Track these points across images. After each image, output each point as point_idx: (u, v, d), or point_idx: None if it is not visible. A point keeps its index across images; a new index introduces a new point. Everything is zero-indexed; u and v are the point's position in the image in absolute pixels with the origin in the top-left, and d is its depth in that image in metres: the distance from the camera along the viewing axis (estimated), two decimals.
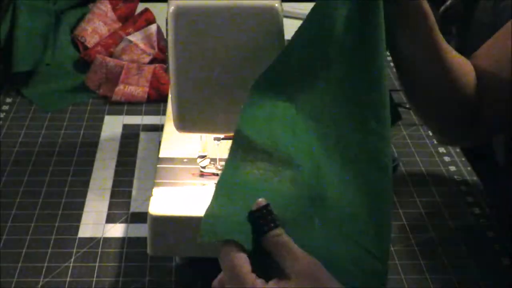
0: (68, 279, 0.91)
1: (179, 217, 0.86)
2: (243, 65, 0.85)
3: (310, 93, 0.79)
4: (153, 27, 1.43)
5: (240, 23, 0.83)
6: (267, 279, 0.66)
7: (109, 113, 1.29)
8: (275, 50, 0.84)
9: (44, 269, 0.93)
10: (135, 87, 1.32)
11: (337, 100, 0.78)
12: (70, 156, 1.16)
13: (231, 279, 0.66)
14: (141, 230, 0.99)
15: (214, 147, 0.94)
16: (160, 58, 1.40)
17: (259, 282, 0.65)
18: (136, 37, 1.42)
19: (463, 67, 0.94)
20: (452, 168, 1.16)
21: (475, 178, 1.13)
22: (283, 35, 0.84)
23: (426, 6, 0.85)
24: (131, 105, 1.31)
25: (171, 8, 0.83)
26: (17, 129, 1.24)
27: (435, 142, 1.21)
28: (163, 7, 0.92)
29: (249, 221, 0.68)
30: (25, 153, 1.17)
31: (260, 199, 0.69)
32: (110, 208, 1.05)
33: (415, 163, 1.16)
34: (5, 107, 1.30)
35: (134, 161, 1.15)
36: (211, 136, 0.94)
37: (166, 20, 0.84)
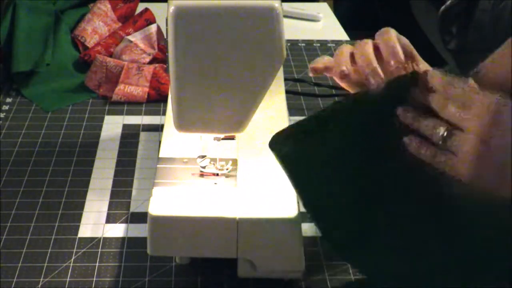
0: (68, 279, 0.91)
1: (179, 217, 0.86)
2: (243, 65, 0.85)
3: None
4: (153, 27, 1.44)
5: (240, 23, 0.83)
6: None
7: (109, 113, 1.29)
8: (275, 50, 0.84)
9: (44, 269, 0.93)
10: (135, 87, 1.32)
11: None
12: (70, 156, 1.16)
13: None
14: (141, 230, 0.99)
15: (214, 147, 0.94)
16: (160, 58, 1.40)
17: None
18: (136, 37, 1.42)
19: None
20: None
21: None
22: (283, 35, 0.84)
23: None
24: (131, 105, 1.31)
25: (171, 8, 0.83)
26: (17, 129, 1.24)
27: None
28: (163, 7, 0.92)
29: None
30: (25, 153, 1.17)
31: None
32: (110, 208, 1.05)
33: None
34: (5, 107, 1.30)
35: (134, 161, 1.15)
36: (211, 136, 0.94)
37: (166, 20, 0.84)
